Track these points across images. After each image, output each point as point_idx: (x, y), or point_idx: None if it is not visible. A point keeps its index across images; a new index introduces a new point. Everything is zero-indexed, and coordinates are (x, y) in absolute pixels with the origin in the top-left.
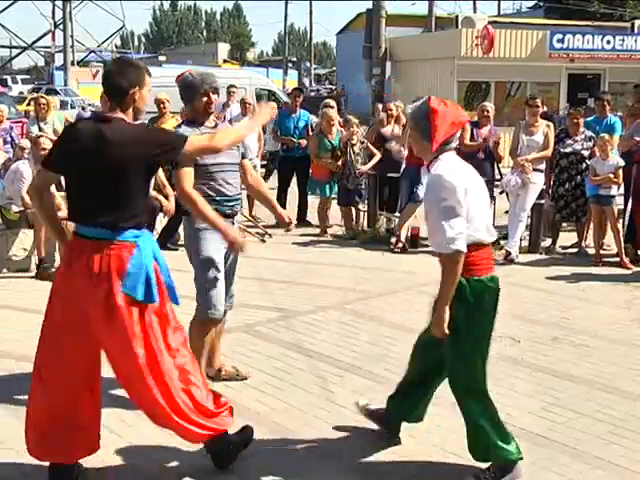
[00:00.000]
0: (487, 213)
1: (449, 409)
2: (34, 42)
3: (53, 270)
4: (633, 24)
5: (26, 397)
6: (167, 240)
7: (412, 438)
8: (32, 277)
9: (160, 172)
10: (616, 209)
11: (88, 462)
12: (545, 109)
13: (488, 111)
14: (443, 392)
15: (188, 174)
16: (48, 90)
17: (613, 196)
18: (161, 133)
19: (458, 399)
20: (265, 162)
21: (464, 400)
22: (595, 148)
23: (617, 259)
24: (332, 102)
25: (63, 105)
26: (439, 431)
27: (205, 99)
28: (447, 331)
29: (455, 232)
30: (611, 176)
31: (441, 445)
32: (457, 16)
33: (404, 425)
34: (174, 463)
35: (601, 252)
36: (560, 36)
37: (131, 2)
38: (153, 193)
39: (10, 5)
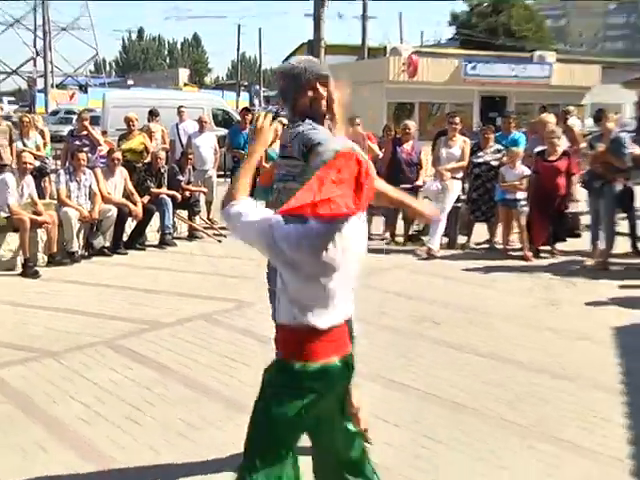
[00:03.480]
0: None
1: None
2: (18, 68)
3: (36, 269)
4: (532, 55)
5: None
6: (136, 241)
7: None
8: (18, 275)
9: (128, 181)
10: (521, 211)
11: None
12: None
13: (410, 129)
14: None
15: None
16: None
17: (518, 200)
18: None
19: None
20: (222, 173)
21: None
22: (504, 159)
23: (521, 253)
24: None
25: None
26: None
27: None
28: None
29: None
30: (517, 183)
31: None
32: (386, 46)
33: None
34: None
35: (507, 247)
36: (473, 64)
37: (103, 33)
38: (123, 200)
39: None
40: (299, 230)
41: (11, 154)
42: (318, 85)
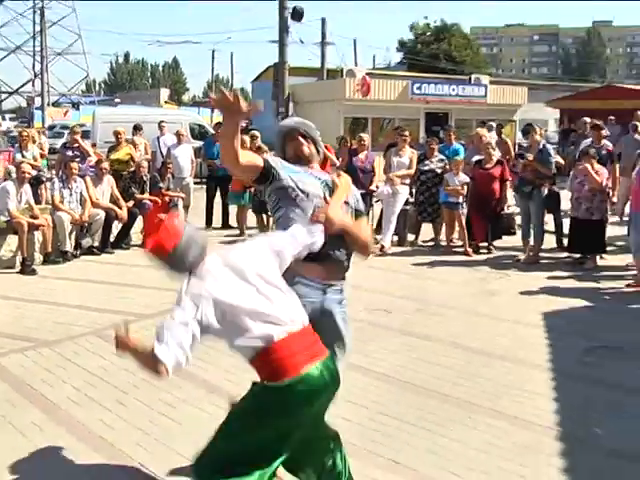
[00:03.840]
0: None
1: None
2: (18, 88)
3: (33, 267)
4: (470, 77)
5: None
6: (122, 241)
7: None
8: (17, 272)
9: (115, 188)
10: (462, 212)
11: None
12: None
13: (364, 140)
14: None
15: None
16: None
17: (460, 202)
18: None
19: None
20: (198, 180)
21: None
22: (448, 167)
23: (462, 249)
24: (257, 133)
25: None
26: None
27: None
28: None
29: None
30: (459, 188)
31: None
32: (342, 69)
33: None
34: None
35: (451, 244)
36: (419, 85)
37: (94, 57)
38: (110, 205)
39: (1, 60)
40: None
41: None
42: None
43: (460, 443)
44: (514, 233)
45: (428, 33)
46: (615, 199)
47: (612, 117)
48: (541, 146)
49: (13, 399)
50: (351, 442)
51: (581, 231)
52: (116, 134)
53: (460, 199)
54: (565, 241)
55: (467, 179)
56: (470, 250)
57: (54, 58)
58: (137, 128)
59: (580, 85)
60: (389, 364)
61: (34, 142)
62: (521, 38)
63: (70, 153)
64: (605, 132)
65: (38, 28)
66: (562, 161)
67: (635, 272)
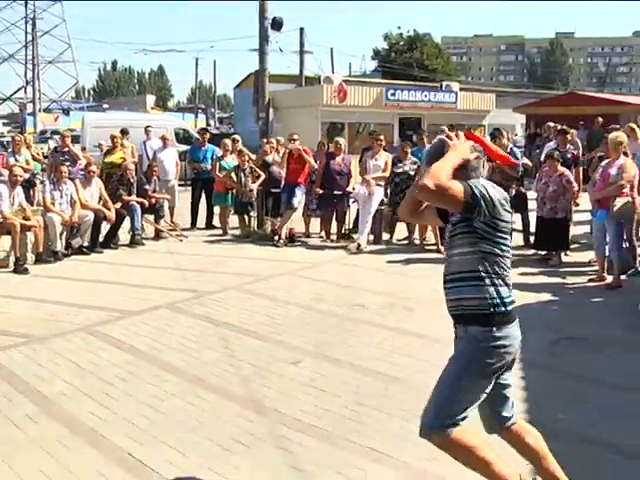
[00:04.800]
0: None
1: None
2: (11, 95)
3: (26, 267)
4: (441, 84)
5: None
6: (110, 241)
7: None
8: (11, 272)
9: (103, 190)
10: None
11: None
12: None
13: (340, 144)
14: None
15: None
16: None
17: None
18: None
19: None
20: (183, 182)
21: None
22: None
23: (435, 247)
24: (237, 137)
25: None
26: None
27: None
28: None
29: None
30: None
31: None
32: (320, 76)
33: None
34: None
35: (424, 242)
36: (393, 91)
37: (83, 64)
38: (98, 206)
39: None
40: None
41: None
42: None
43: None
44: None
45: (401, 42)
46: (579, 200)
47: (582, 122)
48: (508, 149)
49: (7, 393)
50: (327, 430)
51: (546, 229)
52: (112, 138)
53: None
54: (532, 239)
55: None
56: (442, 248)
57: (45, 66)
58: (124, 132)
59: (545, 92)
60: (365, 356)
61: (28, 147)
62: (489, 48)
63: (61, 157)
64: (569, 137)
65: (30, 37)
66: (530, 163)
67: (597, 268)
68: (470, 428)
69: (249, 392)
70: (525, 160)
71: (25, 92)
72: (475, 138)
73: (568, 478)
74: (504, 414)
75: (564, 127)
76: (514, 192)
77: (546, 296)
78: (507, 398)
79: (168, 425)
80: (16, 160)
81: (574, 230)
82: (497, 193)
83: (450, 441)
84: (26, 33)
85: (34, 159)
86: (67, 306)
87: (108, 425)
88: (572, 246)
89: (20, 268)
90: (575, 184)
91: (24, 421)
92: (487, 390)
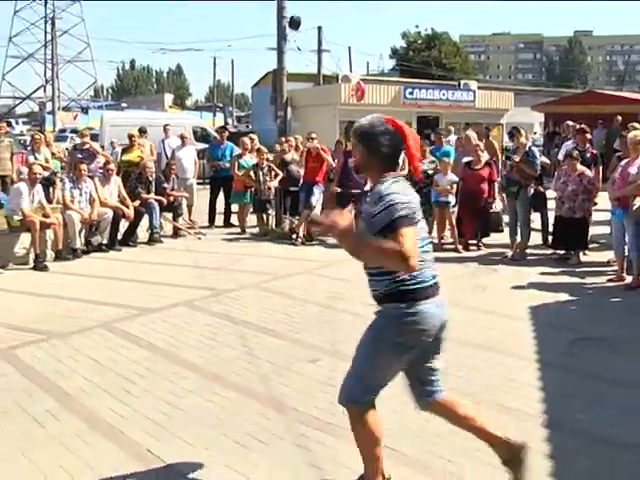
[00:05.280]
0: None
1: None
2: (31, 94)
3: (45, 264)
4: (459, 83)
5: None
6: (128, 239)
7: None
8: (30, 269)
9: (122, 188)
10: (452, 211)
11: None
12: None
13: None
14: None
15: None
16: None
17: (449, 202)
18: None
19: None
20: (201, 181)
21: None
22: (438, 167)
23: (453, 246)
24: (254, 135)
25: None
26: None
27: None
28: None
29: None
30: (448, 187)
31: None
32: (338, 74)
33: None
34: None
35: (442, 241)
36: (411, 90)
37: (101, 64)
38: (117, 204)
39: (14, 67)
40: None
41: (11, 165)
42: None
43: (449, 429)
44: (502, 231)
45: (419, 41)
46: (597, 200)
47: (601, 121)
48: (527, 148)
49: (28, 388)
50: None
51: (565, 229)
52: (130, 136)
53: (450, 198)
54: (550, 238)
55: (456, 179)
56: (460, 247)
57: (64, 65)
58: (142, 131)
59: (563, 91)
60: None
61: (47, 145)
62: (507, 46)
63: (80, 155)
64: (588, 136)
65: (49, 37)
66: (548, 162)
67: (616, 268)
68: (381, 422)
69: (268, 390)
70: (544, 159)
71: (44, 91)
72: (396, 125)
73: (586, 479)
74: (428, 388)
75: (583, 126)
76: (532, 191)
77: (564, 296)
78: (434, 380)
79: (186, 422)
80: (35, 158)
81: (593, 230)
82: (404, 196)
83: (364, 420)
84: (45, 33)
85: (54, 157)
86: (86, 303)
87: (127, 421)
88: (591, 246)
89: (40, 265)
90: (598, 184)
91: (44, 417)
92: (401, 366)
